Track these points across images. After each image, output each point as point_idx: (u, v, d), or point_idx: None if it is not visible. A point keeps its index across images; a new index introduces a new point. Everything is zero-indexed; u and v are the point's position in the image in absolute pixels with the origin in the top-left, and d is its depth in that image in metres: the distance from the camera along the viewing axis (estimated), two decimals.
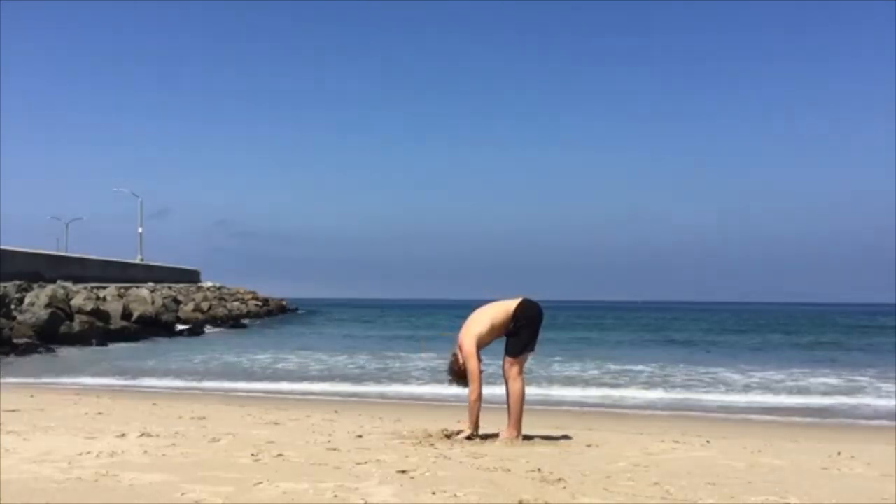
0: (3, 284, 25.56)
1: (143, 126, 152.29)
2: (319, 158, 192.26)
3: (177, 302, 36.89)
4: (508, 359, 6.56)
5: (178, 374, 16.42)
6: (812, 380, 16.21)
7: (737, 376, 16.65)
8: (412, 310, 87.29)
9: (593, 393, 13.75)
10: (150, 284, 41.93)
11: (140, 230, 61.08)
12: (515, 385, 6.52)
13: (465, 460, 5.49)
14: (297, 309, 67.69)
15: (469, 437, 6.45)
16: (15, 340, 20.61)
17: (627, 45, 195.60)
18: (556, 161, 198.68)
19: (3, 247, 33.93)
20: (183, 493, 4.27)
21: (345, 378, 16.14)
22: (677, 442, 6.95)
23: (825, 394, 13.92)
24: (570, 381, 15.39)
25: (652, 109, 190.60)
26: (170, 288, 43.47)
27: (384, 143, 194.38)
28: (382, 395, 13.51)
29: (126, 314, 28.49)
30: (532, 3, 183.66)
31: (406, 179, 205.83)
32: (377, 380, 15.85)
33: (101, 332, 25.23)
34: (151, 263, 57.18)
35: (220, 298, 47.35)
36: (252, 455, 5.51)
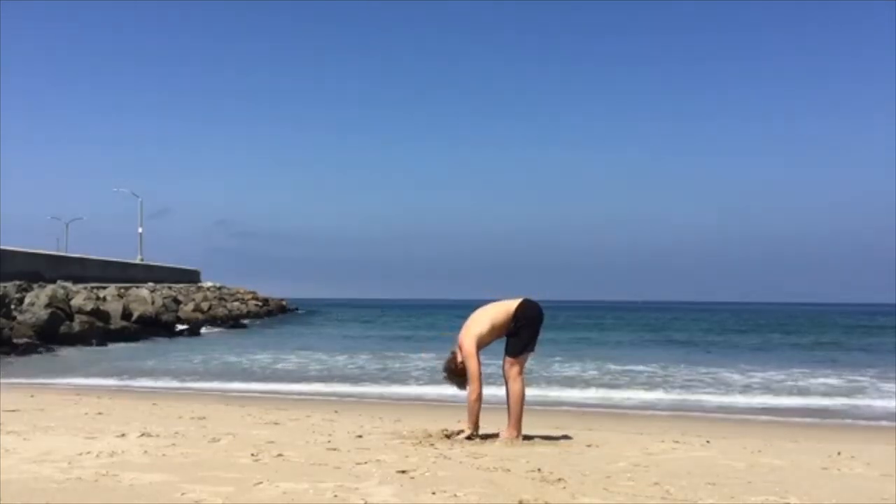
0: (3, 284, 25.56)
1: (143, 126, 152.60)
2: (319, 158, 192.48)
3: (177, 302, 36.89)
4: (508, 359, 6.56)
5: (177, 374, 16.41)
6: (812, 380, 16.21)
7: (737, 376, 16.66)
8: (412, 310, 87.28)
9: (593, 393, 13.76)
10: (150, 284, 41.94)
11: (140, 230, 61.18)
12: (515, 385, 6.52)
13: (465, 460, 5.49)
14: (297, 309, 67.72)
15: (469, 437, 6.45)
16: (15, 340, 20.61)
17: (627, 45, 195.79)
18: (556, 161, 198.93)
19: (3, 247, 33.94)
20: (183, 493, 4.27)
21: (345, 378, 16.15)
22: (677, 442, 6.95)
23: (825, 394, 13.92)
24: (569, 382, 15.39)
25: (652, 109, 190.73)
26: (170, 288, 43.48)
27: (384, 143, 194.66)
28: (382, 395, 13.51)
29: (126, 314, 28.49)
30: (532, 3, 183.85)
31: (406, 179, 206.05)
32: (377, 380, 15.85)
33: (101, 332, 25.23)
34: (151, 263, 57.20)
35: (220, 298, 47.36)
36: (252, 455, 5.50)
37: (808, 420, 11.05)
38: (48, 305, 23.89)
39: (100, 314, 26.56)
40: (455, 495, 4.36)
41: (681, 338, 35.56)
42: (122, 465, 5.07)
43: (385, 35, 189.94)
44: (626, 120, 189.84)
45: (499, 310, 6.64)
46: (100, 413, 8.33)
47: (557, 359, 19.65)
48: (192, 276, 62.13)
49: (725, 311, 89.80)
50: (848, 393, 14.04)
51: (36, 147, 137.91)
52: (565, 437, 6.96)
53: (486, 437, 6.52)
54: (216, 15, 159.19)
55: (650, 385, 14.98)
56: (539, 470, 5.18)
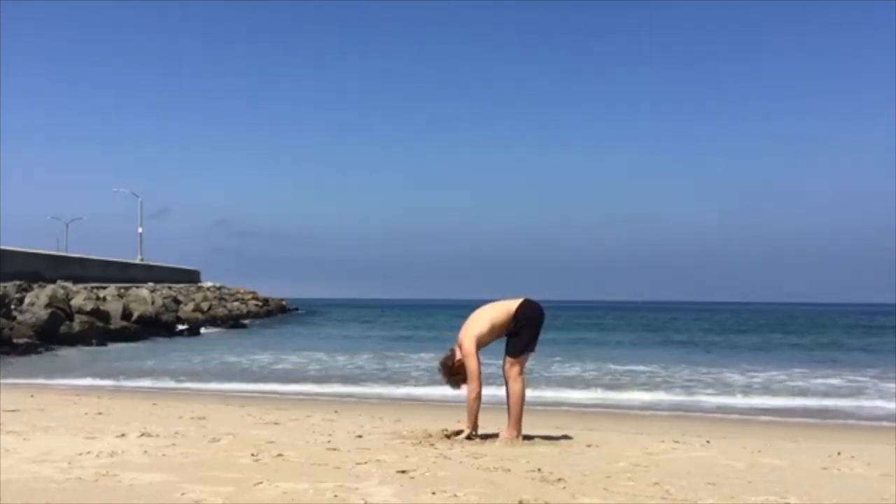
0: (3, 284, 25.56)
1: (143, 126, 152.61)
2: (319, 158, 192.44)
3: (177, 302, 36.89)
4: (509, 359, 6.55)
5: (177, 375, 16.41)
6: (812, 380, 16.21)
7: (737, 376, 16.66)
8: (412, 310, 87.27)
9: (593, 393, 13.75)
10: (150, 284, 41.94)
11: (140, 230, 61.18)
12: (516, 385, 6.51)
13: (465, 460, 5.48)
14: (296, 309, 67.72)
15: (469, 437, 6.45)
16: (15, 340, 20.62)
17: (627, 45, 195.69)
18: (556, 161, 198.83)
19: (3, 247, 33.94)
20: (183, 493, 4.27)
21: (344, 378, 16.14)
22: (677, 442, 6.94)
23: (825, 394, 13.92)
24: (570, 382, 15.39)
25: (652, 109, 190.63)
26: (170, 288, 43.48)
27: (384, 143, 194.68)
28: (382, 396, 13.51)
29: (126, 314, 28.50)
30: (532, 3, 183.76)
31: (406, 179, 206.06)
32: (377, 380, 15.85)
33: (101, 332, 25.24)
34: (151, 263, 57.20)
35: (220, 298, 47.36)
36: (252, 455, 5.50)
37: (808, 420, 11.05)
38: (48, 305, 23.90)
39: (100, 314, 26.57)
40: (455, 495, 4.36)
41: (681, 338, 35.57)
42: (122, 465, 5.07)
43: (385, 35, 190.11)
44: (626, 120, 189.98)
45: (499, 310, 6.63)
46: (100, 413, 8.33)
47: (557, 359, 19.65)
48: (192, 276, 62.14)
49: (725, 311, 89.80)
50: (848, 393, 14.04)
51: (36, 147, 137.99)
52: (565, 437, 6.95)
53: (486, 437, 6.51)
54: (216, 15, 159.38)
55: (650, 385, 14.98)
56: (539, 470, 5.17)
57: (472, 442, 6.36)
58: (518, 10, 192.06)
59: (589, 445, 6.51)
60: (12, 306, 23.18)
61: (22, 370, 16.70)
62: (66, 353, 21.20)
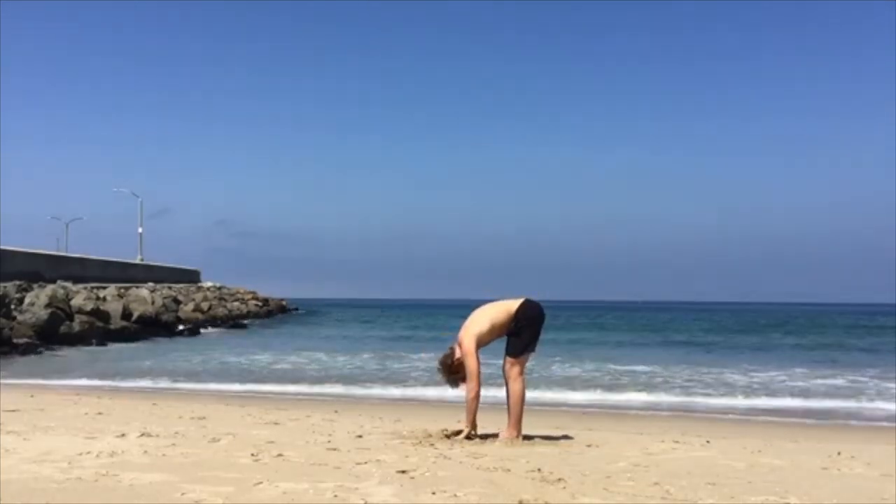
0: (3, 284, 25.56)
1: (143, 126, 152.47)
2: (319, 158, 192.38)
3: (177, 302, 36.89)
4: (509, 359, 6.55)
5: (177, 375, 16.41)
6: (812, 380, 16.21)
7: (737, 376, 16.66)
8: (412, 310, 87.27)
9: (593, 393, 13.75)
10: (150, 284, 41.94)
11: (140, 230, 61.16)
12: (516, 385, 6.51)
13: (465, 460, 5.49)
14: (296, 309, 67.70)
15: (468, 437, 6.45)
16: (15, 340, 20.62)
17: (627, 45, 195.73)
18: (556, 161, 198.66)
19: (3, 247, 33.94)
20: (183, 493, 4.28)
21: (344, 378, 16.14)
22: (677, 442, 6.95)
23: (826, 394, 13.92)
24: (570, 382, 15.39)
25: (652, 109, 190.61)
26: (170, 288, 43.47)
27: (384, 143, 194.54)
28: (382, 396, 13.52)
29: (126, 314, 28.50)
30: (532, 3, 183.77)
31: (406, 179, 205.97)
32: (377, 380, 15.84)
33: (101, 332, 25.24)
34: (151, 263, 57.20)
35: (220, 298, 47.36)
36: (252, 455, 5.51)
37: (808, 420, 11.06)
38: (48, 305, 23.90)
39: (100, 314, 26.57)
40: (455, 495, 4.36)
41: (681, 338, 35.56)
42: (122, 465, 5.07)
43: (385, 35, 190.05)
44: (626, 120, 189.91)
45: (499, 309, 6.63)
46: (100, 413, 8.33)
47: (557, 359, 19.64)
48: (192, 276, 62.14)
49: (725, 311, 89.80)
50: (848, 393, 14.04)
51: (36, 147, 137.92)
52: (565, 437, 6.96)
53: (486, 437, 6.51)
54: (216, 15, 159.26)
55: (650, 385, 14.98)
56: (539, 470, 5.18)
57: (472, 442, 6.36)
58: (518, 10, 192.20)
59: (589, 445, 6.51)
60: (12, 306, 23.19)
61: (22, 370, 16.70)
62: (66, 353, 21.20)
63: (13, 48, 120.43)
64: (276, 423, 7.71)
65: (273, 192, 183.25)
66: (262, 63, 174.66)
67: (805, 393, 14.07)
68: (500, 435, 6.53)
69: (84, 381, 14.85)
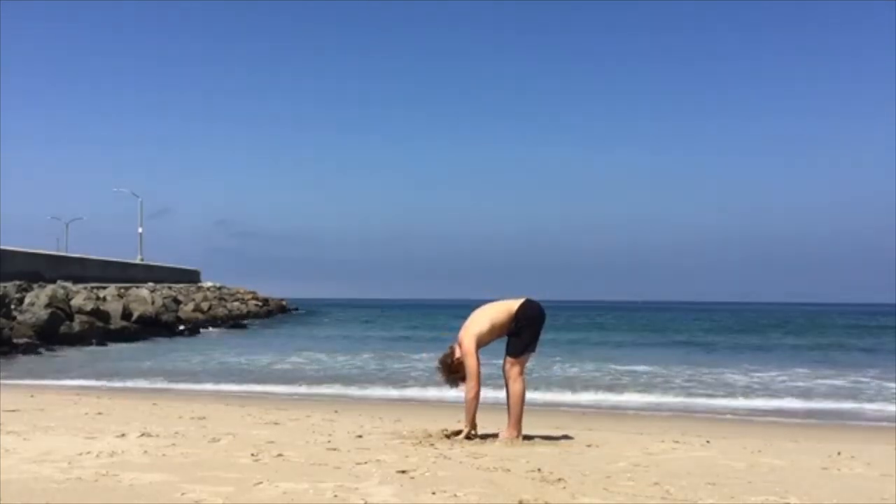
0: (3, 284, 25.56)
1: (143, 126, 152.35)
2: (319, 158, 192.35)
3: (177, 302, 36.89)
4: (509, 359, 6.55)
5: (177, 375, 16.41)
6: (812, 380, 16.21)
7: (737, 377, 16.66)
8: (412, 310, 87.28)
9: (593, 394, 13.75)
10: (150, 284, 41.94)
11: (140, 230, 61.17)
12: (516, 385, 6.51)
13: (465, 460, 5.49)
14: (296, 309, 67.69)
15: (468, 437, 6.45)
16: (15, 340, 20.62)
17: (627, 45, 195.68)
18: (556, 161, 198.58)
19: (3, 247, 33.95)
20: (183, 493, 4.28)
21: (344, 378, 16.14)
22: (677, 442, 6.95)
23: (826, 394, 13.92)
24: (570, 382, 15.39)
25: (652, 109, 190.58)
26: (170, 288, 43.48)
27: (384, 143, 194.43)
28: (382, 395, 13.52)
29: (126, 314, 28.50)
30: (532, 3, 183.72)
31: (406, 179, 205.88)
32: (377, 380, 15.84)
33: (101, 332, 25.24)
34: (151, 263, 57.21)
35: (220, 298, 47.36)
36: (252, 455, 5.51)
37: (808, 420, 11.06)
38: (48, 305, 23.90)
39: (100, 314, 26.57)
40: (455, 495, 4.36)
41: (681, 338, 35.56)
42: (122, 465, 5.07)
43: (385, 35, 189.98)
44: (626, 120, 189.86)
45: (499, 309, 6.63)
46: (100, 413, 8.33)
47: (558, 359, 19.64)
48: (192, 276, 62.14)
49: (725, 311, 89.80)
50: (848, 393, 14.05)
51: (36, 147, 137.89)
52: (565, 437, 6.96)
53: (486, 437, 6.52)
54: (216, 15, 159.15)
55: (651, 385, 14.98)
56: (539, 470, 5.18)
57: (472, 442, 6.36)
58: (518, 9, 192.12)
59: (589, 445, 6.51)
60: (12, 306, 23.19)
61: (22, 370, 16.71)
62: (66, 353, 21.20)
63: (13, 48, 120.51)
64: (276, 423, 7.71)
65: (273, 192, 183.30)
66: (262, 63, 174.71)
67: (805, 393, 14.07)
68: (500, 435, 6.53)
69: (84, 381, 14.85)
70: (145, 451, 5.56)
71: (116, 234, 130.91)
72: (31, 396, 10.35)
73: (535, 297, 6.74)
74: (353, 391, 14.07)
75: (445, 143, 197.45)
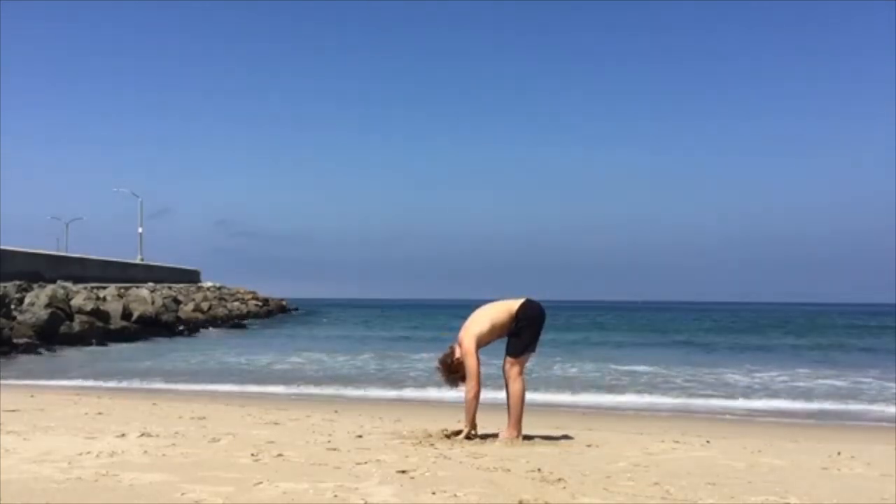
0: (3, 284, 25.55)
1: (143, 126, 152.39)
2: (319, 158, 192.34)
3: (177, 302, 36.88)
4: (509, 359, 6.55)
5: (177, 375, 16.41)
6: (812, 380, 16.21)
7: (738, 377, 16.66)
8: (412, 310, 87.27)
9: (593, 394, 13.74)
10: (150, 284, 41.93)
11: (140, 230, 61.17)
12: (516, 385, 6.51)
13: (465, 460, 5.49)
14: (296, 309, 67.66)
15: (468, 437, 6.45)
16: (15, 340, 20.61)
17: (627, 45, 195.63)
18: (556, 161, 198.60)
19: (3, 247, 33.94)
20: (183, 493, 4.28)
21: (344, 378, 16.14)
22: (677, 442, 6.95)
23: (826, 394, 13.92)
24: (570, 382, 15.39)
25: (652, 109, 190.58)
26: (170, 288, 43.47)
27: (384, 143, 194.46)
28: (382, 396, 13.51)
29: (126, 314, 28.49)
30: (532, 2, 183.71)
31: (406, 179, 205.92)
32: (377, 380, 15.84)
33: (101, 332, 25.23)
34: (151, 263, 57.20)
35: (220, 298, 47.35)
36: (252, 455, 5.51)
37: (808, 420, 11.06)
38: (48, 305, 23.89)
39: (100, 314, 26.56)
40: (455, 495, 4.36)
41: (681, 338, 35.56)
42: (122, 465, 5.07)
43: (385, 35, 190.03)
44: (626, 120, 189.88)
45: (500, 309, 6.63)
46: (100, 413, 8.32)
47: (558, 359, 19.64)
48: (192, 276, 62.12)
49: (725, 311, 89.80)
50: (848, 393, 14.04)
51: (36, 147, 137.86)
52: (565, 437, 6.96)
53: (486, 437, 6.52)
54: (216, 15, 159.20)
55: (651, 386, 14.97)
56: (539, 470, 5.18)
57: (472, 442, 6.36)
58: (518, 9, 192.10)
59: (589, 445, 6.51)
60: (12, 306, 23.18)
61: (22, 370, 16.70)
62: (66, 353, 21.19)
63: (13, 48, 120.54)
64: (276, 423, 7.71)
65: (273, 192, 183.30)
66: (262, 63, 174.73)
67: (805, 393, 14.07)
68: (500, 435, 6.53)
69: (84, 382, 14.85)
70: (145, 451, 5.56)
71: (116, 234, 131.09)
72: (31, 396, 10.35)
73: (535, 297, 6.74)
74: (353, 391, 14.06)
75: (445, 143, 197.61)
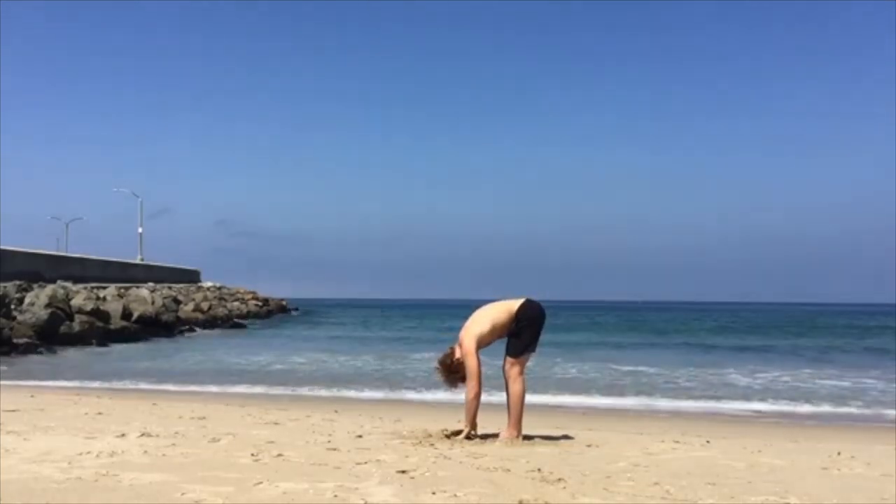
0: (3, 284, 25.56)
1: (143, 126, 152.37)
2: (319, 158, 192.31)
3: (177, 302, 36.89)
4: (509, 359, 6.55)
5: (177, 375, 16.41)
6: (812, 380, 16.23)
7: (738, 377, 16.67)
8: (412, 310, 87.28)
9: (593, 394, 13.75)
10: (150, 284, 41.95)
11: (140, 230, 61.18)
12: (516, 385, 6.51)
13: (465, 460, 5.49)
14: (296, 309, 67.66)
15: (468, 437, 6.45)
16: (15, 340, 20.61)
17: (627, 45, 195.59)
18: (556, 161, 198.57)
19: (3, 247, 33.96)
20: (183, 493, 4.28)
21: (344, 378, 16.14)
22: (677, 442, 6.95)
23: (825, 394, 13.93)
24: (570, 383, 15.39)
25: (652, 109, 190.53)
26: (170, 288, 43.49)
27: (385, 143, 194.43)
28: (382, 396, 13.51)
29: (126, 314, 28.50)
30: (532, 2, 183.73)
31: (407, 179, 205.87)
32: (376, 380, 15.85)
33: (101, 332, 25.23)
34: (151, 263, 57.21)
35: (220, 298, 47.36)
36: (252, 455, 5.51)
37: (808, 420, 11.06)
38: (48, 305, 23.90)
39: (100, 314, 26.57)
40: (455, 495, 4.36)
41: (682, 338, 35.58)
42: (122, 465, 5.07)
43: (385, 35, 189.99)
44: (626, 120, 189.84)
45: (500, 310, 6.63)
46: (100, 413, 8.32)
47: (558, 360, 19.65)
48: (192, 276, 62.14)
49: (725, 311, 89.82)
50: (848, 394, 14.05)
51: (36, 147, 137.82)
52: (565, 437, 6.96)
53: (486, 437, 6.52)
54: (216, 15, 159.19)
55: (651, 386, 14.98)
56: (539, 470, 5.18)
57: (471, 442, 6.36)
58: (518, 9, 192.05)
59: (589, 445, 6.51)
60: (12, 306, 23.18)
61: (22, 370, 16.70)
62: (66, 354, 21.20)
63: (13, 48, 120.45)
64: (276, 423, 7.71)
65: (273, 192, 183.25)
66: (263, 63, 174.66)
67: (805, 393, 14.07)
68: (501, 435, 6.53)
69: (84, 382, 14.85)
70: (145, 451, 5.57)
71: (116, 234, 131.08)
72: (31, 396, 10.35)
73: (535, 297, 6.74)
74: (353, 391, 14.06)
75: (446, 143, 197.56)
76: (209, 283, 57.79)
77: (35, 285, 27.54)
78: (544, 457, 5.78)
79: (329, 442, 6.32)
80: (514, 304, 6.62)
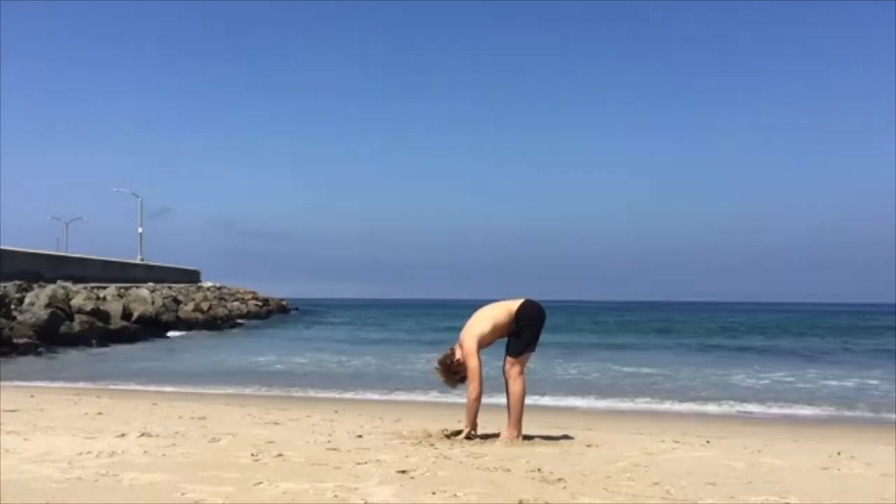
0: (3, 284, 25.56)
1: (144, 126, 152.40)
2: (319, 158, 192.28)
3: (177, 302, 36.89)
4: (509, 359, 6.55)
5: (177, 375, 16.40)
6: (812, 380, 16.22)
7: (738, 377, 16.67)
8: (413, 310, 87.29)
9: (593, 394, 13.73)
10: (151, 284, 41.94)
11: (140, 230, 61.14)
12: (516, 385, 6.51)
13: (465, 460, 5.49)
14: (296, 309, 67.66)
15: (468, 437, 6.45)
16: (15, 340, 20.60)
17: (627, 45, 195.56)
18: (556, 161, 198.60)
19: (3, 247, 33.94)
20: (183, 493, 4.28)
21: (344, 378, 16.14)
22: (677, 442, 6.95)
23: (826, 394, 13.92)
24: (570, 383, 15.38)
25: (652, 109, 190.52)
26: (170, 288, 43.48)
27: (385, 143, 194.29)
28: (382, 396, 13.51)
29: (126, 314, 28.49)
30: (533, 3, 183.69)
31: (406, 179, 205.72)
32: (377, 380, 15.84)
33: (101, 332, 25.22)
34: (151, 263, 57.19)
35: (220, 298, 47.35)
36: (252, 455, 5.51)
37: (808, 420, 11.06)
38: (48, 305, 23.89)
39: (100, 314, 26.56)
40: (455, 495, 4.36)
41: (682, 338, 35.56)
42: (122, 465, 5.07)
43: (385, 34, 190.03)
44: (626, 120, 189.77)
45: (500, 310, 6.64)
46: (100, 413, 8.32)
47: (558, 360, 19.64)
48: (192, 276, 62.12)
49: (726, 312, 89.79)
50: (849, 394, 14.05)
51: (36, 147, 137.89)
52: (565, 437, 6.95)
53: (486, 437, 6.52)
54: (216, 14, 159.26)
55: (652, 386, 14.98)
56: (539, 470, 5.18)
57: (472, 442, 6.36)
58: (518, 9, 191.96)
59: (589, 445, 6.51)
60: (12, 306, 23.18)
61: (22, 370, 16.70)
62: (67, 354, 21.20)
63: (13, 48, 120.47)
64: (276, 423, 7.71)
65: (273, 192, 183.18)
66: (262, 63, 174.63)
67: (805, 393, 14.06)
68: (501, 435, 6.53)
69: (84, 382, 14.84)
70: (145, 451, 5.57)
71: (116, 234, 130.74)
72: (31, 396, 10.35)
73: (535, 297, 6.75)
74: (353, 391, 14.05)
75: (445, 142, 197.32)
76: (209, 283, 57.77)
77: (35, 285, 27.54)
78: (544, 457, 5.78)
79: (329, 442, 6.32)
80: (514, 304, 6.62)
